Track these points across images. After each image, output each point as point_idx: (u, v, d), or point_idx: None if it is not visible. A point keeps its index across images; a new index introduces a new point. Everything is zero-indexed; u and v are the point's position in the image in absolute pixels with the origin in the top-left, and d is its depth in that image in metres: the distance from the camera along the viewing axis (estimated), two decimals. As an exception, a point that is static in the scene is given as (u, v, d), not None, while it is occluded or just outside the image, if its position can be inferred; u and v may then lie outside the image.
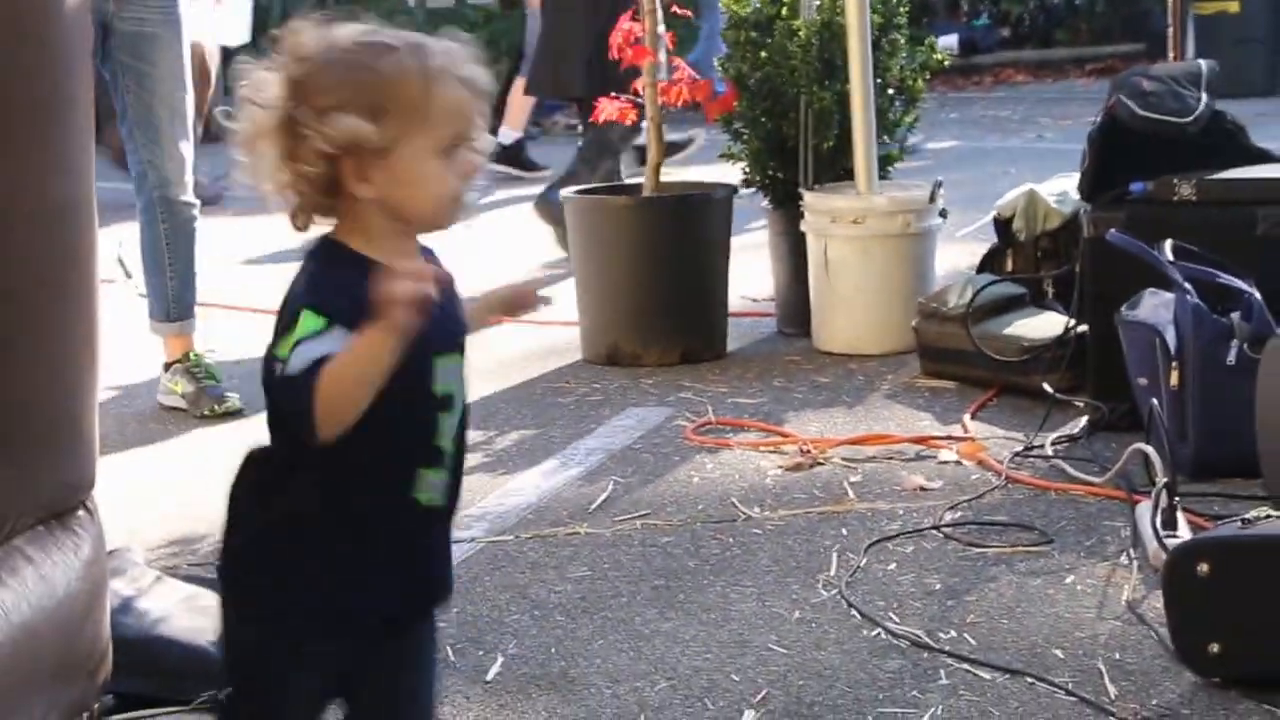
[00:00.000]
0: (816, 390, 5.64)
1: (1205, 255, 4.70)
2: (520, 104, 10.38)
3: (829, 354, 6.03)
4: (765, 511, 4.50)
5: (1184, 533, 3.92)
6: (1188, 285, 4.58)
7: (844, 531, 4.33)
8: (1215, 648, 3.36)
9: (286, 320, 2.27)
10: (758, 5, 6.35)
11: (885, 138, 6.31)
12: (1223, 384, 4.49)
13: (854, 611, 3.84)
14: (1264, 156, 5.36)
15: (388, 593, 2.38)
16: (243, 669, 2.44)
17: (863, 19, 5.99)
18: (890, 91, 6.35)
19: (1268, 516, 3.46)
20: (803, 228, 6.11)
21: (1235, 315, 4.55)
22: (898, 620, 3.77)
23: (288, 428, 2.30)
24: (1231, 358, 4.50)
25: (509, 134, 10.43)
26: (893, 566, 4.08)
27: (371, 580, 2.36)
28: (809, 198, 6.07)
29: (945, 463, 4.83)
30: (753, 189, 6.43)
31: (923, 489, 4.61)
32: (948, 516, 4.39)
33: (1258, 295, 4.58)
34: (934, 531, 4.29)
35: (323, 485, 2.31)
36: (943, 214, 6.15)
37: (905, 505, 4.49)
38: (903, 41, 6.39)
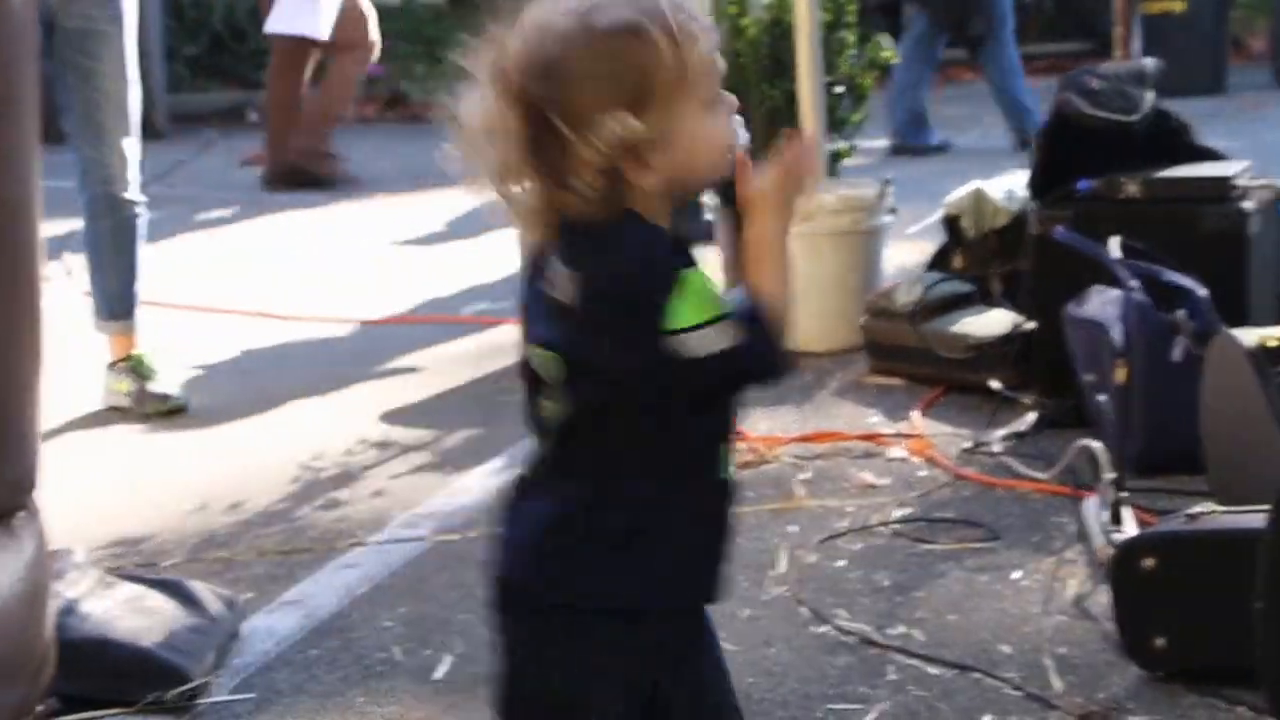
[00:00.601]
0: (765, 388, 5.63)
1: (1151, 253, 4.72)
2: None
3: (779, 352, 6.01)
4: (715, 509, 4.49)
5: (1130, 528, 3.93)
6: (1134, 282, 4.60)
7: (793, 529, 4.34)
8: (1160, 642, 3.37)
9: (654, 294, 2.09)
10: (707, 2, 6.35)
11: (834, 135, 6.32)
12: (1168, 381, 4.51)
13: (803, 608, 3.84)
14: (1209, 155, 5.39)
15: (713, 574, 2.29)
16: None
17: (811, 17, 5.99)
18: (839, 89, 6.36)
19: (1212, 511, 3.48)
20: (751, 226, 6.10)
21: (1181, 312, 4.57)
22: (847, 617, 3.77)
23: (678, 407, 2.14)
24: (1177, 355, 4.52)
25: None
26: (842, 563, 4.08)
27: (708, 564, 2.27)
28: (758, 196, 6.06)
29: (894, 460, 4.84)
30: (703, 187, 6.42)
31: (871, 486, 4.62)
32: (896, 513, 4.40)
33: (1203, 292, 4.61)
34: (882, 528, 4.30)
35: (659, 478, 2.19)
36: (892, 211, 6.16)
37: (854, 502, 4.50)
38: (851, 39, 6.40)
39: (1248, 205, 4.98)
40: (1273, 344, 4.16)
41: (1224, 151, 5.52)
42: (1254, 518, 3.15)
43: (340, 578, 4.16)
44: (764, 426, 5.19)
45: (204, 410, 5.68)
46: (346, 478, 4.92)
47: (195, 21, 14.99)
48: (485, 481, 4.82)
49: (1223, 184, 5.05)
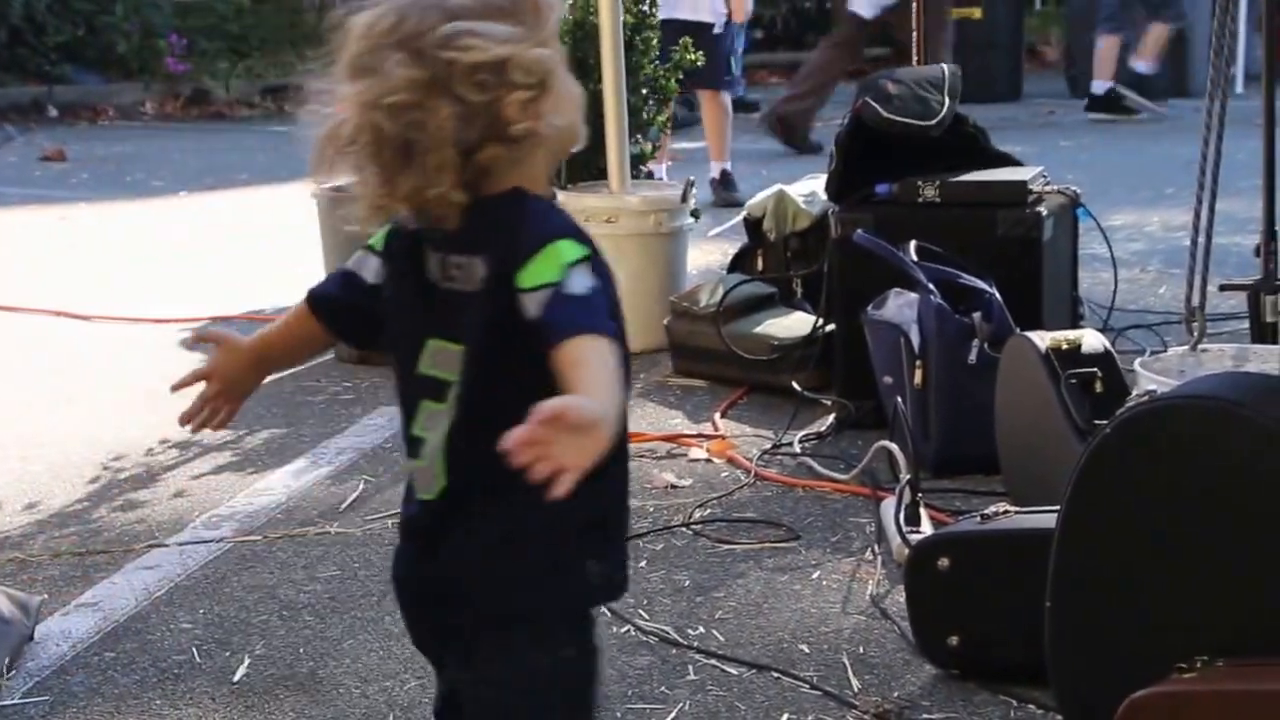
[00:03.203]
0: (570, 388, 5.64)
1: (948, 256, 4.80)
2: (1108, 56, 11.86)
3: (582, 353, 6.02)
4: (517, 510, 4.48)
5: (926, 528, 3.99)
6: (931, 285, 4.67)
7: (595, 529, 4.34)
8: (954, 640, 3.43)
9: (523, 254, 2.06)
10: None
11: (638, 137, 6.35)
12: (964, 383, 4.59)
13: (604, 609, 3.85)
14: (1004, 160, 5.48)
15: None
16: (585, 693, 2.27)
17: (615, 19, 6.01)
18: (643, 91, 6.39)
19: (1005, 512, 3.54)
20: (556, 226, 6.10)
21: (977, 315, 4.65)
22: (647, 617, 3.79)
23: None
24: (973, 357, 4.60)
25: (1101, 85, 11.95)
26: (643, 564, 4.10)
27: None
28: (561, 197, 6.07)
29: (695, 460, 4.87)
30: (506, 188, 6.42)
31: (673, 486, 4.65)
32: (697, 514, 4.43)
33: (998, 296, 4.69)
34: (684, 529, 4.32)
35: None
36: (694, 214, 6.20)
37: (655, 503, 4.52)
38: (655, 41, 6.43)
39: (1042, 210, 5.07)
40: (1065, 346, 4.25)
41: (1019, 157, 5.62)
42: (1046, 518, 3.21)
43: (138, 579, 4.10)
44: (567, 427, 5.19)
45: (0, 409, 5.59)
46: (146, 478, 4.85)
47: (-7, 14, 14.73)
48: (287, 482, 4.78)
49: (1018, 189, 5.14)
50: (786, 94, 11.31)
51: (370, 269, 2.29)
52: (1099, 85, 12.18)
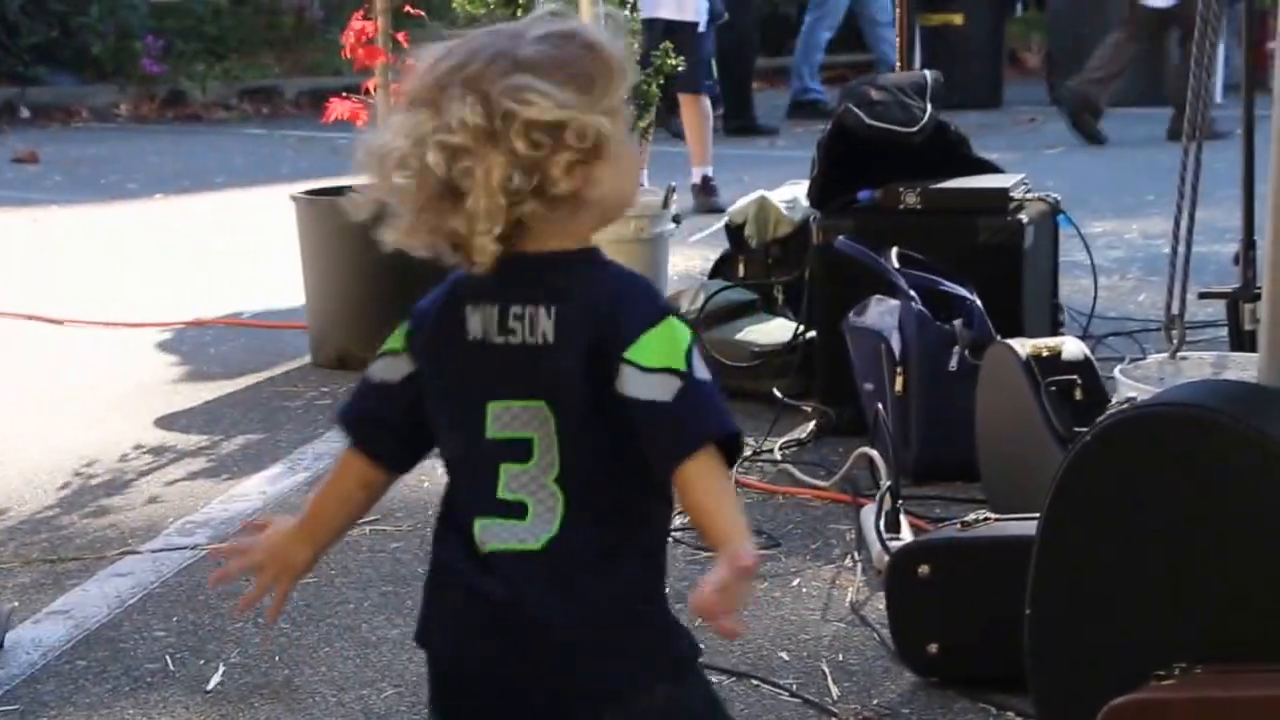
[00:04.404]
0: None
1: (929, 263, 4.78)
2: None
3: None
4: (495, 516, 4.46)
5: (906, 535, 3.97)
6: (912, 292, 4.66)
7: (573, 536, 4.32)
8: (934, 648, 3.41)
9: (636, 325, 2.05)
10: (491, 6, 6.32)
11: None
12: (945, 389, 4.57)
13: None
14: (986, 166, 5.47)
15: None
16: None
17: (596, 23, 5.98)
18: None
19: (985, 519, 3.53)
20: (535, 231, 6.08)
21: (958, 322, 4.63)
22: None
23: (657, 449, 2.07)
24: (953, 364, 4.59)
25: None
26: (621, 571, 4.07)
27: None
28: (541, 202, 6.05)
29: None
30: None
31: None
32: (676, 520, 4.39)
33: (979, 303, 4.68)
34: (662, 536, 4.29)
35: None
36: (675, 219, 6.17)
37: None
38: (636, 46, 6.41)
39: (1024, 217, 5.06)
40: (1045, 354, 4.24)
41: (1001, 164, 5.61)
42: (1026, 525, 3.20)
43: (111, 586, 4.07)
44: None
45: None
46: (119, 484, 4.82)
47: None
48: (263, 487, 4.75)
49: (1000, 196, 5.13)
50: (1085, 76, 11.73)
51: (397, 369, 2.24)
52: None
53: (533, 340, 2.09)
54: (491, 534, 2.11)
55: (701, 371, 2.06)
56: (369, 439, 2.26)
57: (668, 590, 3.94)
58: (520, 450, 2.10)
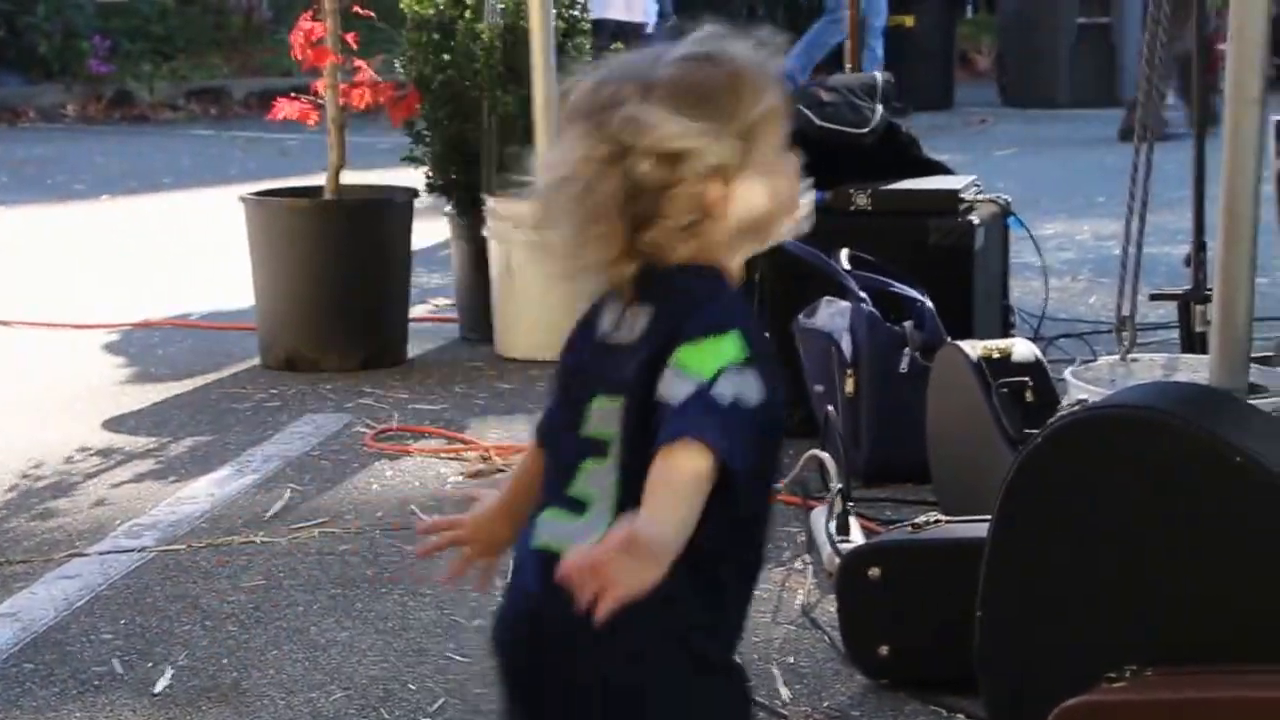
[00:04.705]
0: (499, 397, 5.62)
1: (880, 264, 4.78)
2: None
3: (512, 360, 6.00)
4: (445, 518, 4.44)
5: (857, 538, 3.97)
6: (863, 294, 4.66)
7: (523, 538, 4.30)
8: (885, 650, 3.41)
9: (694, 329, 2.06)
10: (440, 7, 6.30)
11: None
12: (895, 391, 4.57)
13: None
14: (937, 168, 5.48)
15: None
16: None
17: (546, 24, 5.97)
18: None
19: (936, 521, 3.53)
20: (485, 233, 6.07)
21: (908, 324, 4.63)
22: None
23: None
24: (904, 366, 4.59)
25: None
26: (571, 573, 4.06)
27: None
28: (491, 204, 6.04)
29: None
30: (435, 193, 6.39)
31: (602, 495, 4.60)
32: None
33: (930, 304, 4.68)
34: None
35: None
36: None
37: (585, 511, 4.48)
38: (587, 47, 6.40)
39: (974, 219, 5.07)
40: (996, 355, 4.24)
41: (951, 165, 5.61)
42: (977, 527, 3.20)
43: (58, 589, 4.04)
44: (496, 435, 5.16)
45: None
46: (66, 486, 4.79)
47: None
48: (211, 490, 4.72)
49: (950, 198, 5.14)
50: None
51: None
52: None
53: (629, 340, 2.11)
54: (547, 528, 2.14)
55: (727, 390, 2.03)
56: (542, 424, 2.28)
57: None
58: (601, 448, 2.12)
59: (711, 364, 2.03)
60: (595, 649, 2.08)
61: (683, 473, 2.01)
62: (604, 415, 2.12)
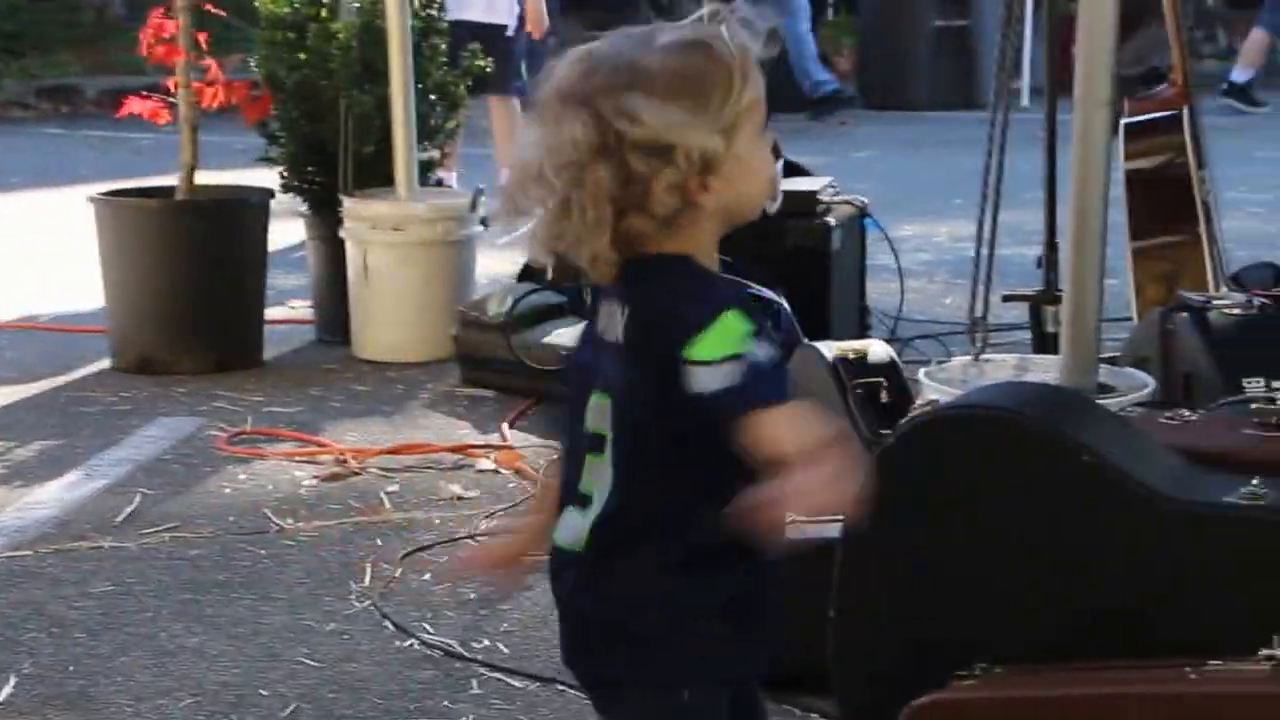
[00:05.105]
0: (355, 399, 5.57)
1: (737, 265, 4.77)
2: (1258, 44, 12.42)
3: (369, 362, 5.95)
4: (299, 523, 4.41)
5: (713, 538, 3.96)
6: (719, 294, 4.65)
7: (379, 542, 4.28)
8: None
9: (694, 324, 2.09)
10: (296, 6, 6.24)
11: (427, 143, 6.29)
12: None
13: (387, 623, 3.79)
14: (795, 170, 5.50)
15: None
16: None
17: (403, 23, 5.94)
18: (432, 97, 6.32)
19: (794, 521, 3.51)
20: (342, 234, 6.02)
21: (766, 325, 4.63)
22: (431, 630, 3.73)
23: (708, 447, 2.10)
24: (761, 366, 4.58)
25: (1243, 72, 12.51)
26: (427, 577, 4.04)
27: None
28: (348, 204, 6.00)
29: (483, 471, 4.81)
30: (291, 194, 6.33)
31: (460, 498, 4.59)
32: (484, 525, 4.37)
33: (787, 306, 4.67)
34: (470, 541, 4.26)
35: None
36: (484, 222, 6.13)
37: (442, 515, 4.46)
38: (443, 47, 6.37)
39: (831, 220, 5.09)
40: (852, 356, 4.25)
41: (810, 167, 5.63)
42: (830, 527, 3.20)
43: (-100, 597, 3.96)
44: (352, 438, 5.12)
45: None
46: (-90, 491, 4.70)
47: None
48: (60, 494, 4.65)
49: (808, 199, 5.16)
50: None
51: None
52: (1241, 74, 12.67)
53: (614, 338, 2.15)
54: (564, 525, 2.22)
55: (762, 351, 2.10)
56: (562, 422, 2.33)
57: (471, 593, 3.92)
58: (599, 444, 2.18)
59: (732, 342, 2.08)
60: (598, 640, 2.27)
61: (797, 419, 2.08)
62: (599, 411, 2.17)
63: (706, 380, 2.06)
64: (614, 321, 2.16)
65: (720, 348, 2.07)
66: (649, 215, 2.11)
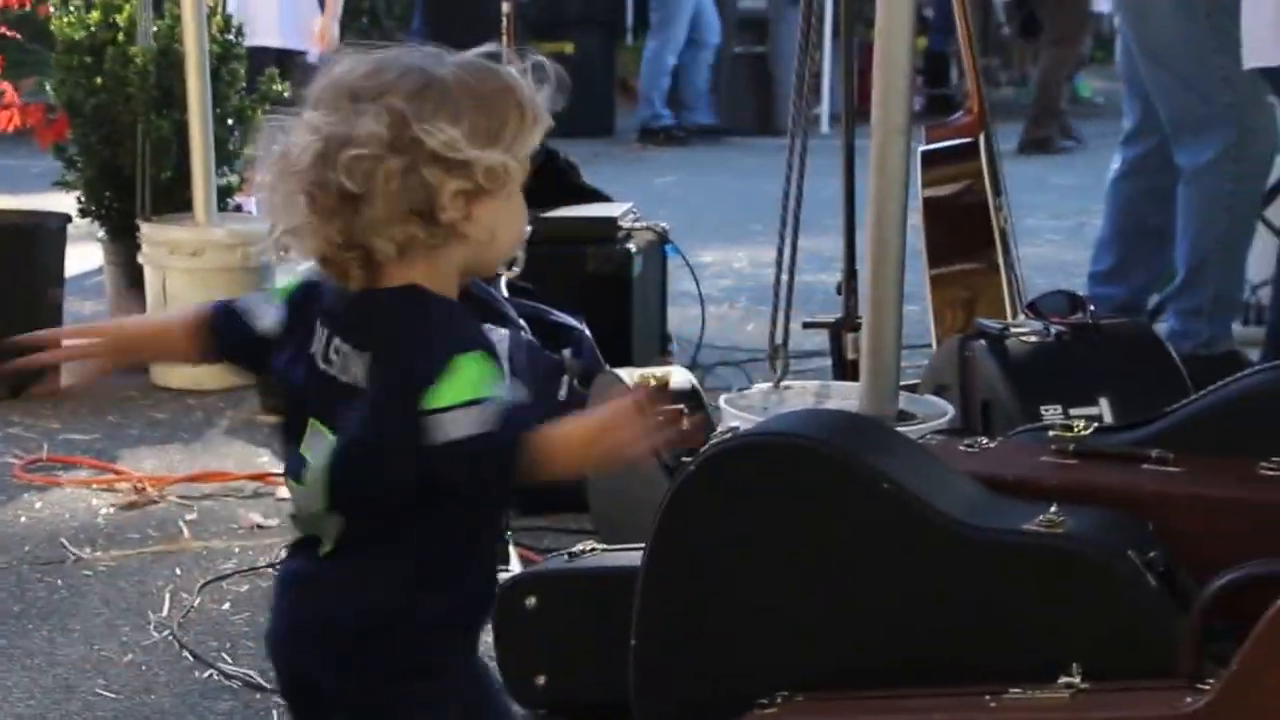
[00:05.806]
0: (153, 426, 5.50)
1: (538, 292, 4.80)
2: None
3: (167, 389, 5.88)
4: (96, 552, 4.34)
5: (515, 567, 3.97)
6: (521, 322, 4.66)
7: (178, 571, 4.23)
8: (542, 680, 3.41)
9: (433, 371, 2.05)
10: (92, 29, 6.16)
11: (225, 169, 6.24)
12: (555, 419, 4.58)
13: (186, 653, 3.75)
14: (595, 195, 5.52)
15: None
16: None
17: (200, 48, 5.89)
18: (229, 122, 6.27)
19: (593, 550, 3.54)
20: (140, 259, 5.95)
21: (567, 352, 4.65)
22: (230, 661, 3.70)
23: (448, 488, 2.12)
24: (563, 393, 4.60)
25: None
26: (227, 606, 4.00)
27: None
28: (146, 229, 5.93)
29: (283, 500, 4.77)
30: (89, 218, 6.24)
31: (259, 526, 4.55)
32: (284, 554, 4.33)
33: (588, 332, 4.71)
34: (270, 570, 4.23)
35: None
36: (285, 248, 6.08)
37: (241, 543, 4.42)
38: (241, 72, 6.32)
39: (632, 247, 5.12)
40: (654, 383, 4.28)
41: (611, 193, 5.66)
42: (633, 556, 3.21)
43: None
44: (150, 465, 5.06)
45: None
46: None
47: None
48: None
49: (608, 225, 5.19)
50: None
51: (267, 318, 2.25)
52: None
53: (348, 380, 2.11)
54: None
55: (505, 391, 2.11)
56: (221, 324, 2.30)
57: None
58: (302, 469, 2.16)
59: (474, 386, 2.07)
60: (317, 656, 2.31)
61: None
62: (317, 441, 2.14)
63: (449, 428, 2.05)
64: (346, 361, 2.11)
65: (459, 393, 2.06)
66: (426, 223, 2.08)
